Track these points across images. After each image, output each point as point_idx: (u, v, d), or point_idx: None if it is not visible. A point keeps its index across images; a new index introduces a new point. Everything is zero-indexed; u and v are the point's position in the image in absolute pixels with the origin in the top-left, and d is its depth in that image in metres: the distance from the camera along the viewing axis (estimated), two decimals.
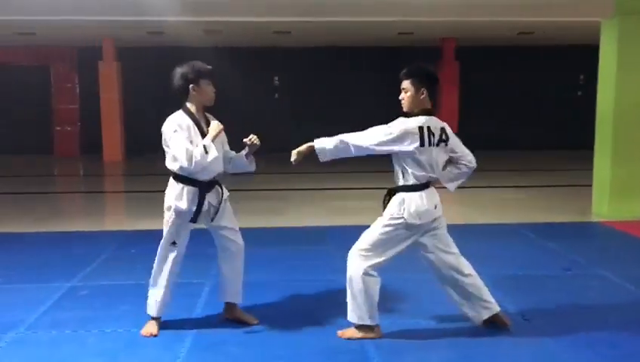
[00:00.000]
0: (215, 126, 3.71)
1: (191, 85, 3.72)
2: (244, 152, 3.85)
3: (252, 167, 3.93)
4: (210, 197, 3.72)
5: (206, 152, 3.52)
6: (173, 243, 3.76)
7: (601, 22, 7.60)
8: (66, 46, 15.45)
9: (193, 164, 3.51)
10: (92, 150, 15.00)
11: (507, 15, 10.13)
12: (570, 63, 15.84)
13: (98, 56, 14.39)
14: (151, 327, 3.76)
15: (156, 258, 3.80)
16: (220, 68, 16.18)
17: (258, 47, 15.37)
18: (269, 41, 14.37)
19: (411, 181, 3.64)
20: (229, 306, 3.96)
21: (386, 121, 3.65)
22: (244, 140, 3.76)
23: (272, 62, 15.74)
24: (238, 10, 9.89)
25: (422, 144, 3.56)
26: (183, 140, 3.56)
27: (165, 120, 3.74)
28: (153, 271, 3.81)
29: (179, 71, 3.75)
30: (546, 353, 3.55)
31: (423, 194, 3.66)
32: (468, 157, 3.84)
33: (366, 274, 3.62)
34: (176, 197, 3.66)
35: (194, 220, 3.71)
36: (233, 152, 3.92)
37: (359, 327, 3.69)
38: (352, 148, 3.61)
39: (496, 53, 15.84)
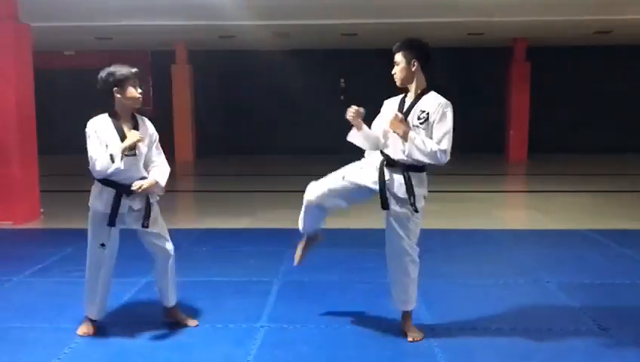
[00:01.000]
0: (131, 135, 3.60)
1: (114, 88, 3.64)
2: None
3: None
4: (132, 201, 3.67)
5: (112, 161, 3.50)
6: (102, 245, 3.74)
7: None
8: (140, 50, 16.02)
9: (96, 171, 3.53)
10: (164, 150, 15.46)
11: (585, 14, 9.80)
12: None
13: (171, 60, 14.85)
14: (85, 327, 3.82)
15: (87, 260, 3.80)
16: (286, 70, 16.53)
17: (324, 49, 15.47)
18: (335, 44, 14.44)
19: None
20: (165, 308, 3.98)
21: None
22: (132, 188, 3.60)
23: (338, 65, 15.81)
24: (309, 13, 9.98)
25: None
26: (93, 145, 3.55)
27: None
28: (86, 274, 3.82)
29: (101, 75, 3.67)
30: None
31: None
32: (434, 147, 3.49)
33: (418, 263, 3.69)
34: (94, 196, 3.70)
35: (111, 223, 3.66)
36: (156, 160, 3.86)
37: (408, 320, 3.73)
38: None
39: (568, 53, 15.35)
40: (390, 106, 3.71)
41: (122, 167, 3.53)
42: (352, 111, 3.62)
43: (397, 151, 3.57)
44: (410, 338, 3.68)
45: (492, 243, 6.20)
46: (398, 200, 3.57)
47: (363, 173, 3.66)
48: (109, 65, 3.71)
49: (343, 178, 3.68)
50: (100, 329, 3.90)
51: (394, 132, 3.55)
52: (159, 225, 3.87)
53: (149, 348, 3.63)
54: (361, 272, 5.06)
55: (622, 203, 8.83)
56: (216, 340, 3.73)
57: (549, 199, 9.17)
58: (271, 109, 15.77)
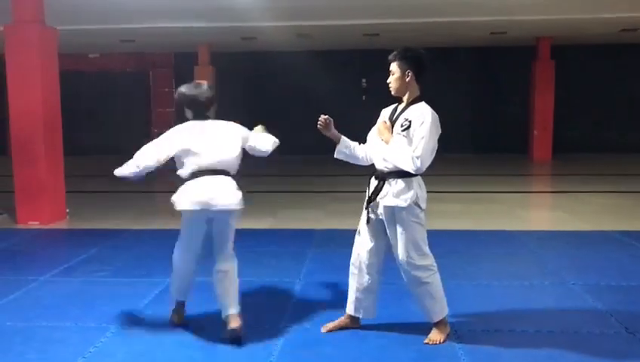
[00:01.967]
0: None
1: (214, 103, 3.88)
2: None
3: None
4: None
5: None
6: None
7: None
8: (163, 52, 16.19)
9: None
10: None
11: (610, 11, 9.64)
12: None
13: (194, 61, 14.97)
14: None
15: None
16: (308, 71, 16.51)
17: (346, 49, 15.46)
18: (357, 44, 14.42)
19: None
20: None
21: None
22: None
23: (360, 65, 15.78)
24: (331, 14, 9.98)
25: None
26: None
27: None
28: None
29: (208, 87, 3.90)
30: None
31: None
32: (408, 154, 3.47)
33: (436, 270, 3.65)
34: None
35: None
36: None
37: (438, 326, 3.67)
38: None
39: (594, 52, 15.13)
40: (383, 115, 3.75)
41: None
42: (320, 122, 3.68)
43: (379, 159, 3.63)
44: (425, 340, 3.66)
45: (516, 245, 6.14)
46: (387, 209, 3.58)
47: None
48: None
49: (359, 233, 3.77)
50: (128, 328, 3.94)
51: (380, 138, 3.61)
52: None
53: (173, 348, 3.65)
54: (385, 272, 5.03)
55: None
56: (239, 341, 3.74)
57: (574, 200, 9.04)
58: (293, 110, 15.79)
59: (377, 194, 3.59)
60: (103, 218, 7.88)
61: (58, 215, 7.64)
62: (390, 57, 3.63)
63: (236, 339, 3.66)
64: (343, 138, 3.78)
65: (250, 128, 4.01)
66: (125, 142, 16.32)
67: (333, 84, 15.37)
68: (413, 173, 3.48)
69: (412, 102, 3.60)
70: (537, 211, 8.85)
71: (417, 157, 3.43)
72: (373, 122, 3.81)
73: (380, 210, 3.61)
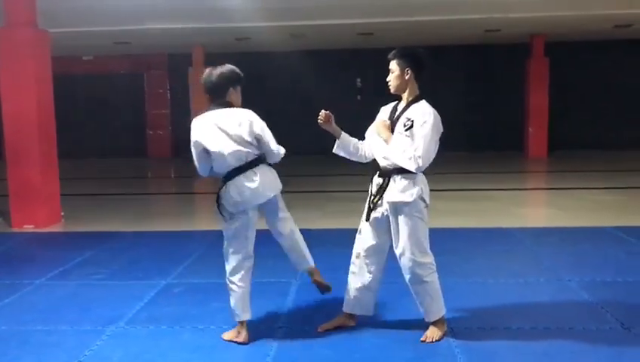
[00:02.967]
0: None
1: (230, 87, 3.77)
2: None
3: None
4: None
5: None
6: None
7: None
8: (157, 54, 16.16)
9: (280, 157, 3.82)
10: (182, 152, 15.59)
11: (604, 8, 9.65)
12: None
13: (188, 63, 14.95)
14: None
15: None
16: (303, 71, 16.52)
17: (340, 49, 15.46)
18: (351, 43, 14.43)
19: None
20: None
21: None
22: None
23: (355, 64, 15.78)
24: (325, 13, 9.98)
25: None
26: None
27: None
28: None
29: (221, 71, 3.77)
30: None
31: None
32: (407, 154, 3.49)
33: (435, 269, 3.66)
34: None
35: None
36: None
37: (435, 324, 3.67)
38: None
39: (588, 48, 15.16)
40: (383, 113, 3.76)
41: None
42: (321, 117, 3.68)
43: (380, 157, 3.64)
44: (422, 338, 3.66)
45: (512, 242, 6.14)
46: (392, 205, 3.58)
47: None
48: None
49: (360, 232, 3.77)
50: (123, 331, 3.93)
51: (379, 137, 3.62)
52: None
53: (169, 350, 3.64)
54: (383, 271, 5.05)
55: None
56: (234, 343, 3.73)
57: (569, 196, 9.06)
58: (288, 110, 15.77)
59: (383, 192, 3.59)
60: (98, 221, 7.87)
61: (53, 218, 7.61)
62: (390, 56, 3.65)
63: (327, 289, 3.94)
64: (344, 133, 3.77)
65: None
66: (120, 144, 16.44)
67: (328, 84, 15.37)
68: (414, 172, 3.50)
69: (413, 100, 3.60)
70: (533, 208, 8.86)
71: (419, 157, 3.45)
72: (368, 121, 3.81)
73: (385, 207, 3.60)
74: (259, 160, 3.70)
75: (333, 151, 3.81)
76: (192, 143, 3.72)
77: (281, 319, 4.08)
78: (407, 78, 3.59)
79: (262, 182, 3.67)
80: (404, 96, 3.64)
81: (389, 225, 3.64)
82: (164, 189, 11.89)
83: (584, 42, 14.93)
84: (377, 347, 3.61)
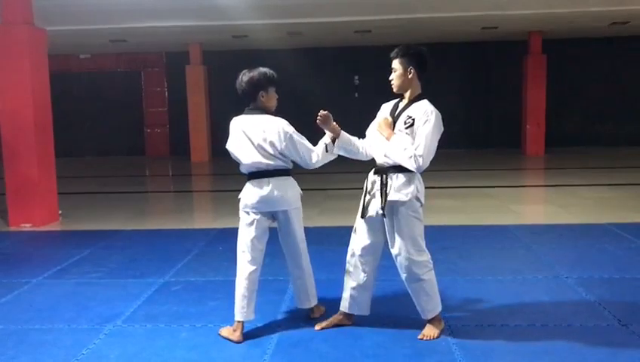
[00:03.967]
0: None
1: (261, 92, 3.76)
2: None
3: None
4: None
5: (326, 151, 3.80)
6: None
7: None
8: (155, 52, 16.14)
9: (315, 163, 3.83)
10: (180, 151, 15.60)
11: (601, 5, 9.66)
12: None
13: (185, 61, 14.92)
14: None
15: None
16: (300, 68, 16.49)
17: (338, 47, 15.45)
18: (348, 41, 14.41)
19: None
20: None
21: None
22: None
23: (352, 62, 15.77)
24: (322, 11, 9.97)
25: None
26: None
27: None
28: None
29: (250, 76, 3.75)
30: None
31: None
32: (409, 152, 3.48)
33: (432, 267, 3.65)
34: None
35: None
36: None
37: (432, 322, 3.68)
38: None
39: (585, 45, 15.17)
40: (384, 110, 3.75)
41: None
42: (319, 117, 3.67)
43: (380, 154, 3.62)
44: (420, 335, 3.66)
45: (510, 239, 6.15)
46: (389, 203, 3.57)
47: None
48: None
49: (355, 230, 3.77)
50: (121, 329, 3.93)
51: (381, 134, 3.61)
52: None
53: (166, 348, 3.64)
54: (379, 270, 5.05)
55: None
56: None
57: (567, 193, 9.07)
58: (286, 108, 15.74)
59: (378, 189, 3.57)
60: (95, 219, 7.85)
61: (50, 217, 7.60)
62: (392, 54, 3.63)
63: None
64: (343, 132, 3.75)
65: None
66: (118, 142, 16.41)
67: (325, 82, 15.36)
68: (414, 171, 3.50)
69: (414, 99, 3.60)
70: (531, 205, 8.87)
71: (419, 156, 3.44)
72: (365, 118, 3.80)
73: (379, 205, 3.59)
74: (278, 171, 3.73)
75: (334, 151, 3.78)
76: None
77: (279, 317, 4.08)
78: (410, 77, 3.58)
79: (271, 192, 3.69)
80: (407, 94, 3.63)
81: (384, 225, 3.64)
82: (162, 187, 11.88)
83: (582, 39, 14.93)
84: (375, 344, 3.61)
